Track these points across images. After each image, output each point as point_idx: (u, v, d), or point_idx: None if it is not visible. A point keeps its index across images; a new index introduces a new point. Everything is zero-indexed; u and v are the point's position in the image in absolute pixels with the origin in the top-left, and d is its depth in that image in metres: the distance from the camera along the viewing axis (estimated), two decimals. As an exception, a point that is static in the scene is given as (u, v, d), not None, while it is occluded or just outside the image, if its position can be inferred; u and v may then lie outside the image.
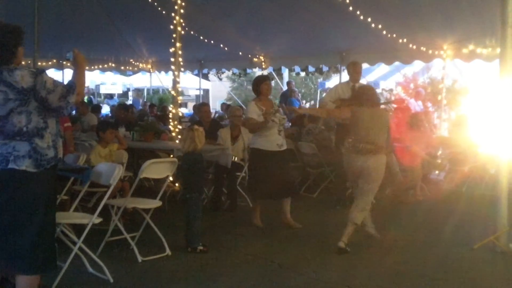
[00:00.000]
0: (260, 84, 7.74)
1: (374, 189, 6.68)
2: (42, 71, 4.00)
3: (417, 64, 16.33)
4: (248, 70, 21.61)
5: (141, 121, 12.03)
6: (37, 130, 3.95)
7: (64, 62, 17.83)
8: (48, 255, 4.10)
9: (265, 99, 7.70)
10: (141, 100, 26.01)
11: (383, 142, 6.63)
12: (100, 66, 19.15)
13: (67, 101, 4.03)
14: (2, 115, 3.86)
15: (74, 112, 12.38)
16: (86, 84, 27.48)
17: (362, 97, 6.92)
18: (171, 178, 7.35)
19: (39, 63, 11.13)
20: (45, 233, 4.06)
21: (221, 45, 15.02)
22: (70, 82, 4.17)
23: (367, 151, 6.51)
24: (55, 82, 3.99)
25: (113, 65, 19.28)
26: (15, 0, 11.20)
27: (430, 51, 12.55)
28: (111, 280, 5.31)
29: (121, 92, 30.74)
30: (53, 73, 14.22)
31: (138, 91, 29.24)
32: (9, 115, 3.86)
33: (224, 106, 18.95)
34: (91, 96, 26.53)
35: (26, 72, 3.89)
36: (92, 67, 19.04)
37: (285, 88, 20.24)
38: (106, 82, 27.62)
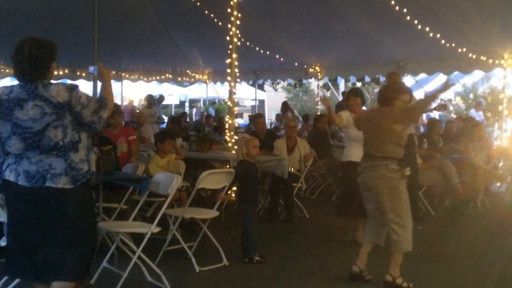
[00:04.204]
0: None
1: None
2: (76, 86, 4.03)
3: (477, 74, 16.06)
4: (304, 81, 21.60)
5: (198, 131, 12.11)
6: (72, 144, 3.98)
7: (122, 73, 18.16)
8: (86, 264, 4.08)
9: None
10: (196, 110, 26.18)
11: None
12: (157, 77, 19.44)
13: (100, 116, 4.06)
14: (38, 129, 3.86)
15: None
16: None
17: None
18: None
19: (99, 75, 11.36)
20: (85, 243, 4.04)
21: (277, 56, 15.08)
22: (100, 97, 4.21)
23: None
24: (88, 97, 4.03)
25: (170, 76, 19.57)
26: (75, 13, 11.49)
27: (491, 61, 12.32)
28: (170, 290, 5.37)
29: (178, 103, 31.01)
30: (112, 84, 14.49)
31: (194, 102, 29.38)
32: (46, 130, 3.87)
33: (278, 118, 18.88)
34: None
35: (61, 87, 3.92)
36: (150, 78, 19.35)
37: (340, 98, 20.13)
38: (163, 93, 27.92)
